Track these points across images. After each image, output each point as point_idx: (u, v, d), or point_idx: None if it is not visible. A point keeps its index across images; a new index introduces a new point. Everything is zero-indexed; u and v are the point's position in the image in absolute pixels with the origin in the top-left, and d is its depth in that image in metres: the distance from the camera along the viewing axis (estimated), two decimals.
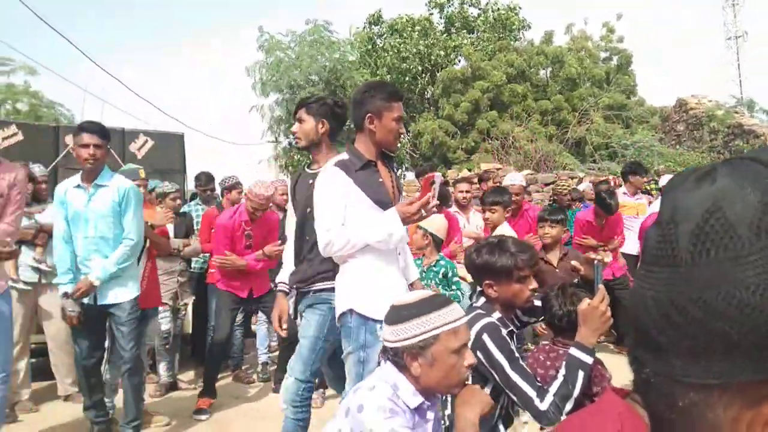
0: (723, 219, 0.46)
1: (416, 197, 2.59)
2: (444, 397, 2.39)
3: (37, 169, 4.85)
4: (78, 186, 3.76)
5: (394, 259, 2.69)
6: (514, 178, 5.81)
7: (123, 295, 3.78)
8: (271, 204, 5.91)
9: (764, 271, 0.44)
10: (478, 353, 2.21)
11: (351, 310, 2.60)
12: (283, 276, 3.27)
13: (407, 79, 17.62)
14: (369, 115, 2.67)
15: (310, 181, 2.92)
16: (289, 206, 3.34)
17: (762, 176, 0.47)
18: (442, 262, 4.45)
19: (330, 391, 4.59)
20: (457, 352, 1.78)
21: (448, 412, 2.36)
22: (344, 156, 2.71)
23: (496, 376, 2.20)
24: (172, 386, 5.17)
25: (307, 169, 3.28)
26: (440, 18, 19.30)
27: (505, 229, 4.32)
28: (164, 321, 5.04)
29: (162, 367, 5.13)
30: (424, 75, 17.71)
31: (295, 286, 3.11)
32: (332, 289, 2.79)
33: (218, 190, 6.17)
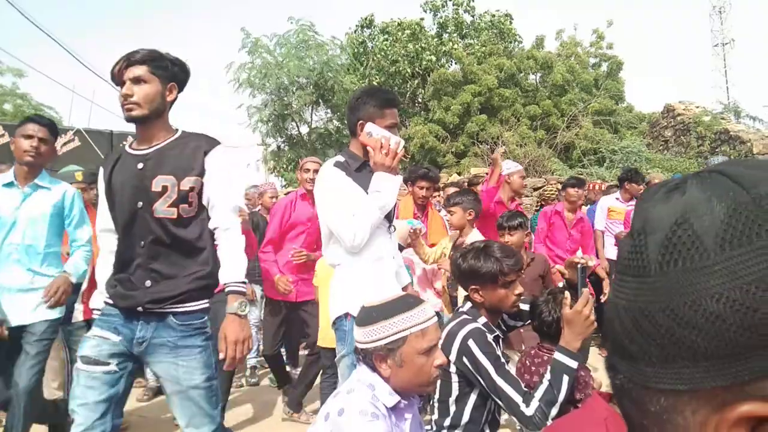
0: (690, 230, 0.48)
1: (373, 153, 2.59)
2: (431, 401, 2.40)
3: None
4: (9, 184, 3.20)
5: (389, 261, 2.69)
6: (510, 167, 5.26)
7: (43, 314, 3.20)
8: (258, 206, 5.89)
9: (728, 281, 0.45)
10: (464, 359, 2.22)
11: (347, 314, 2.59)
12: (98, 301, 2.64)
13: (397, 81, 17.64)
14: (360, 122, 2.64)
15: (140, 166, 2.44)
16: (101, 200, 2.59)
17: (728, 189, 0.48)
18: None
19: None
20: (426, 353, 1.79)
21: (435, 417, 2.37)
22: (340, 158, 2.70)
23: (482, 381, 2.20)
24: (159, 390, 5.14)
25: (129, 149, 2.55)
26: (433, 22, 19.35)
27: (475, 237, 4.04)
28: None
29: (149, 372, 5.10)
30: (414, 78, 17.73)
31: (144, 307, 2.39)
32: (202, 312, 2.46)
33: None
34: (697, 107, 14.88)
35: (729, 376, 0.46)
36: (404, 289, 2.93)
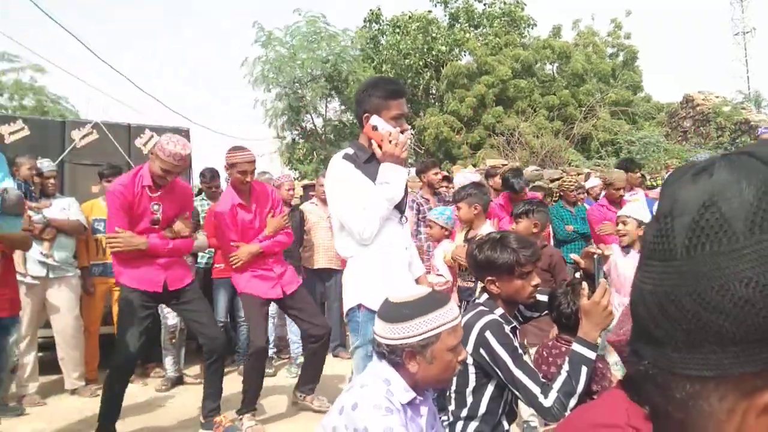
0: (718, 213, 0.47)
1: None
2: (447, 393, 2.40)
3: (45, 164, 4.88)
4: None
5: (400, 252, 2.72)
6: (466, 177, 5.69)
7: None
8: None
9: (758, 265, 0.45)
10: (481, 350, 2.22)
11: (359, 305, 2.63)
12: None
13: (409, 75, 17.56)
14: (366, 115, 2.66)
15: None
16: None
17: (758, 172, 0.47)
18: None
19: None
20: (454, 350, 1.80)
21: (452, 407, 2.37)
22: (349, 150, 2.72)
23: (499, 373, 2.20)
24: (178, 380, 5.20)
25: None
26: (444, 13, 19.22)
27: (488, 229, 3.99)
28: (171, 316, 5.07)
29: (168, 362, 5.16)
30: (426, 70, 17.64)
31: None
32: None
33: (223, 186, 6.16)
34: (717, 97, 14.66)
35: (759, 362, 0.45)
36: (418, 280, 2.95)
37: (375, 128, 2.61)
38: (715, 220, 0.47)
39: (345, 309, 2.74)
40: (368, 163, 2.67)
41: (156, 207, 3.79)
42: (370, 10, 19.26)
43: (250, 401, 4.10)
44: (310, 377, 4.45)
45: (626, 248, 3.82)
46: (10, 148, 5.49)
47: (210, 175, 6.00)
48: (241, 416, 4.05)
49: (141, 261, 3.73)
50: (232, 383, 4.71)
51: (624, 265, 3.68)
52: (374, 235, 2.58)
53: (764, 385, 0.45)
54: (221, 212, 4.12)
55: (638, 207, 4.04)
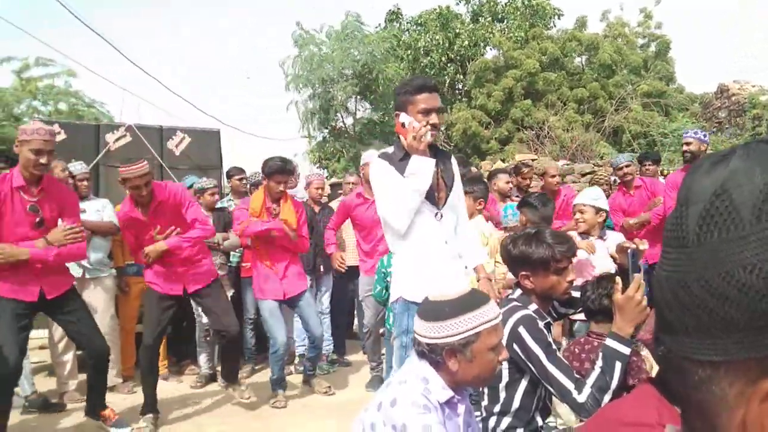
0: (728, 201, 0.48)
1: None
2: (480, 389, 2.39)
3: (78, 167, 4.98)
4: None
5: (437, 246, 2.79)
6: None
7: None
8: (306, 197, 5.94)
9: (762, 252, 0.45)
10: (515, 346, 2.20)
11: (398, 298, 2.79)
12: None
13: (432, 72, 17.51)
14: (396, 113, 2.83)
15: None
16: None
17: None
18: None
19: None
20: (494, 349, 1.80)
21: (485, 403, 2.36)
22: (389, 149, 2.90)
23: (533, 368, 2.19)
24: (212, 377, 5.27)
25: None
26: (467, 9, 19.11)
27: (476, 223, 4.09)
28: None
29: (202, 359, 5.24)
30: (449, 66, 17.56)
31: None
32: None
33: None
34: (753, 86, 14.29)
35: (763, 348, 0.45)
36: (476, 269, 3.04)
37: (403, 125, 2.73)
38: (725, 207, 0.48)
39: (391, 300, 2.94)
40: (403, 160, 2.77)
41: (34, 209, 3.54)
42: (390, 9, 19.28)
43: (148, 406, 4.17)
44: (227, 371, 4.62)
45: (583, 235, 3.82)
46: None
47: (236, 172, 6.04)
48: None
49: (16, 269, 3.49)
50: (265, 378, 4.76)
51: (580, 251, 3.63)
52: (406, 226, 2.71)
53: (763, 373, 0.45)
54: (119, 218, 4.30)
55: (595, 193, 3.99)
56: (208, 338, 5.21)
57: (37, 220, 3.53)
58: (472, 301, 1.79)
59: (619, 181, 6.11)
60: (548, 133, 13.94)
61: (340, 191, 6.84)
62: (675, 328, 0.51)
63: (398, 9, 19.21)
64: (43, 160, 3.47)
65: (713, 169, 0.50)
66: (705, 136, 5.33)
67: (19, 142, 3.48)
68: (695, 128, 5.91)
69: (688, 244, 0.50)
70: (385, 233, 2.90)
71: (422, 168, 2.69)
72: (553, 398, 2.39)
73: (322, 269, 5.59)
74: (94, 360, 3.91)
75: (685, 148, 5.27)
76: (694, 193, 0.50)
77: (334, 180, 10.83)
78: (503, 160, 12.07)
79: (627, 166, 5.73)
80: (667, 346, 0.53)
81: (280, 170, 4.49)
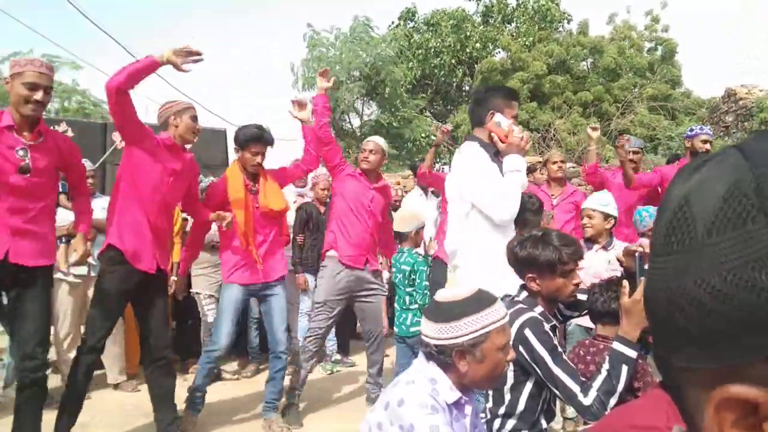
0: (688, 213, 0.47)
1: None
2: (485, 391, 2.39)
3: (86, 164, 5.00)
4: None
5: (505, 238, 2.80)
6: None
7: None
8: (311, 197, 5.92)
9: (710, 267, 0.44)
10: (520, 348, 2.20)
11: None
12: None
13: (442, 73, 17.52)
14: (491, 112, 2.90)
15: None
16: None
17: (736, 168, 0.46)
18: (409, 259, 4.31)
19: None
20: (503, 349, 1.80)
21: (489, 405, 2.36)
22: (476, 143, 2.93)
23: (538, 370, 2.18)
24: (217, 376, 5.28)
25: None
26: (477, 10, 19.13)
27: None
28: (210, 313, 5.14)
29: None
30: (459, 68, 17.57)
31: None
32: None
33: None
34: (761, 90, 14.23)
35: (712, 360, 0.45)
36: None
37: (498, 124, 2.86)
38: (684, 219, 0.47)
39: None
40: (496, 156, 2.90)
41: (22, 152, 3.02)
42: (406, 7, 19.30)
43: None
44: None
45: (588, 243, 3.75)
46: None
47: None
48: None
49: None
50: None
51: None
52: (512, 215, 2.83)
53: (724, 380, 0.44)
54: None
55: (605, 198, 3.87)
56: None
57: (22, 164, 3.01)
58: (481, 301, 1.79)
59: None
60: (554, 135, 13.93)
61: None
62: (654, 333, 0.52)
63: (414, 7, 19.23)
64: (37, 96, 2.99)
65: (690, 176, 0.49)
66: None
67: (11, 76, 3.01)
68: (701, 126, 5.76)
69: (657, 252, 0.50)
70: (465, 223, 2.86)
71: (521, 166, 2.85)
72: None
73: None
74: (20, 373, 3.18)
75: (708, 147, 4.92)
76: (666, 202, 0.50)
77: None
78: None
79: (635, 153, 5.50)
80: (655, 351, 0.54)
81: (256, 137, 3.94)
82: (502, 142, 2.86)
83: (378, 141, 4.51)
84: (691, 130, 5.23)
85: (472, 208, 2.84)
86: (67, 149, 3.33)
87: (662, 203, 0.51)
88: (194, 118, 3.67)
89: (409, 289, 4.26)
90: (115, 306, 3.55)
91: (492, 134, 2.89)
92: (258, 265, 4.02)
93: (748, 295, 0.42)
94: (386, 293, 4.70)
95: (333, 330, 5.60)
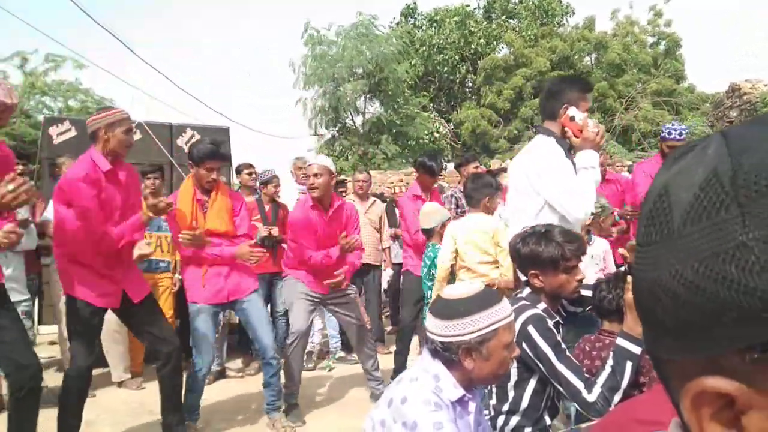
0: (666, 203, 0.46)
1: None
2: (488, 388, 2.39)
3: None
4: None
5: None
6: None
7: None
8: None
9: (684, 257, 0.43)
10: (524, 345, 2.20)
11: None
12: None
13: (445, 69, 17.49)
14: (565, 105, 2.80)
15: None
16: None
17: (716, 156, 0.44)
18: (430, 253, 4.32)
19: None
20: (508, 346, 1.80)
21: (493, 402, 2.36)
22: (552, 138, 2.84)
23: (542, 367, 2.18)
24: (221, 374, 5.30)
25: None
26: (479, 5, 19.10)
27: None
28: None
29: None
30: (462, 64, 17.55)
31: None
32: None
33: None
34: (766, 85, 14.18)
35: (686, 351, 0.45)
36: None
37: (572, 119, 2.76)
38: (663, 209, 0.46)
39: None
40: (569, 151, 2.83)
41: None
42: (406, 3, 19.27)
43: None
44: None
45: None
46: (58, 149, 5.67)
47: (244, 167, 5.91)
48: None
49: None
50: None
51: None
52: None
53: (699, 373, 0.44)
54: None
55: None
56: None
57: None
58: (487, 298, 1.79)
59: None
60: None
61: (341, 189, 6.79)
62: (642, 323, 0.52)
63: (415, 4, 19.20)
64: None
65: (673, 164, 0.48)
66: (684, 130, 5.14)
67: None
68: (684, 126, 5.69)
69: (640, 242, 0.49)
70: (537, 219, 2.76)
71: (595, 162, 2.75)
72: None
73: None
74: (11, 385, 3.04)
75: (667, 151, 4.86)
76: (650, 191, 0.49)
77: (343, 178, 10.83)
78: (512, 159, 12.04)
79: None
80: (645, 341, 0.54)
81: (211, 154, 3.84)
82: (576, 136, 2.77)
83: (321, 162, 4.22)
84: (666, 129, 5.21)
85: (545, 204, 2.78)
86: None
87: (646, 193, 0.50)
88: (128, 131, 3.37)
89: (429, 284, 4.27)
90: (93, 330, 3.53)
91: (565, 128, 2.80)
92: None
93: (719, 287, 0.41)
94: (377, 291, 4.69)
95: (338, 327, 5.62)
